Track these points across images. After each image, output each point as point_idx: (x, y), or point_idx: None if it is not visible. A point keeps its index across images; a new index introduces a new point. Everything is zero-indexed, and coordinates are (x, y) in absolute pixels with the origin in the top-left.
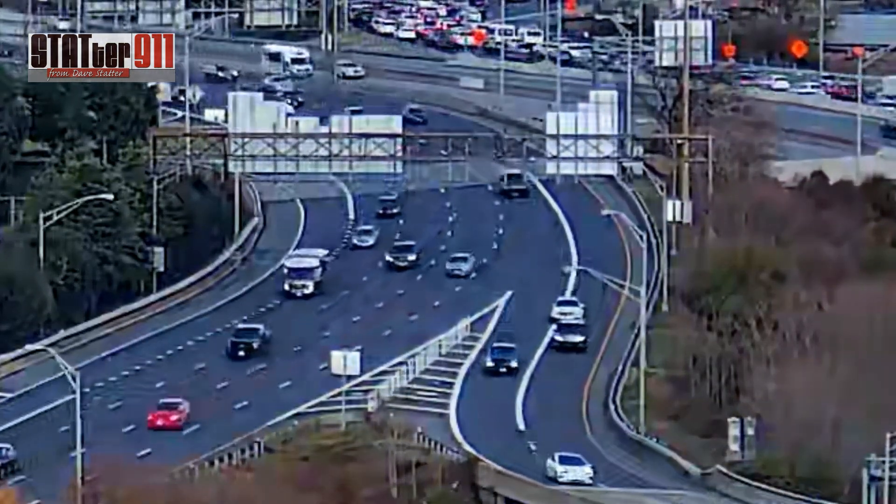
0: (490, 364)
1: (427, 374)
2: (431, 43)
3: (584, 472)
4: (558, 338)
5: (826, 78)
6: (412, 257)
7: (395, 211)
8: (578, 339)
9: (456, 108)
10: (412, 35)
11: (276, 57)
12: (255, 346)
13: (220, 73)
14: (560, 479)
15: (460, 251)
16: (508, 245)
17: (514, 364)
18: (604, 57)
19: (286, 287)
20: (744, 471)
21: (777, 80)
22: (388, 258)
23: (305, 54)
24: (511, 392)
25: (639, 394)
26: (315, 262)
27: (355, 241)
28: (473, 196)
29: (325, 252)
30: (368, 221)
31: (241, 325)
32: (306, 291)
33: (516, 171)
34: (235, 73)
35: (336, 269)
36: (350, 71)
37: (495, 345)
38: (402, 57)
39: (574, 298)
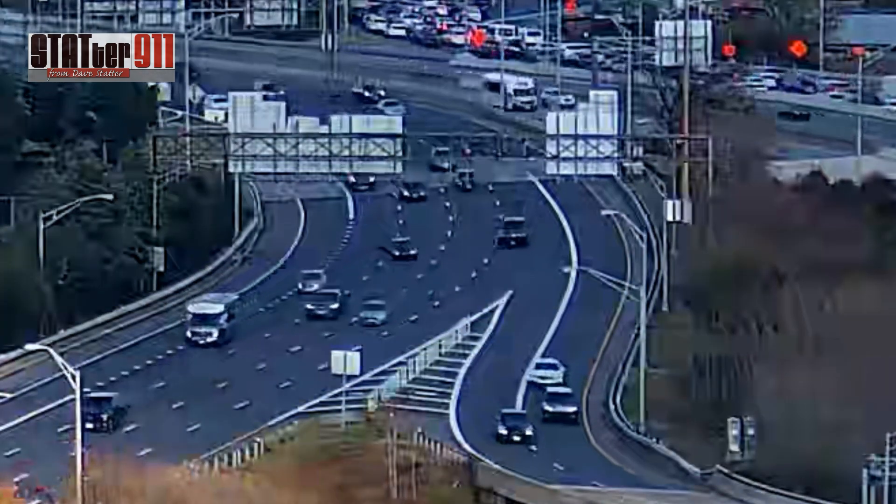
0: (503, 431)
1: (427, 374)
2: (417, 41)
3: None
4: (548, 408)
5: (773, 71)
6: (334, 306)
7: (412, 252)
8: (570, 409)
9: (456, 108)
10: (402, 32)
11: (496, 87)
12: (104, 418)
13: (367, 93)
14: None
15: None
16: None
17: (528, 431)
18: (600, 57)
19: (188, 334)
20: (744, 471)
21: (763, 77)
22: (308, 306)
23: (530, 84)
24: (511, 392)
25: (639, 394)
26: (220, 308)
27: (300, 285)
28: (474, 196)
29: (235, 297)
30: (323, 265)
31: (91, 395)
32: (210, 339)
33: (518, 217)
34: (382, 93)
35: (263, 315)
36: (561, 100)
37: (506, 411)
38: (404, 57)
39: (554, 361)
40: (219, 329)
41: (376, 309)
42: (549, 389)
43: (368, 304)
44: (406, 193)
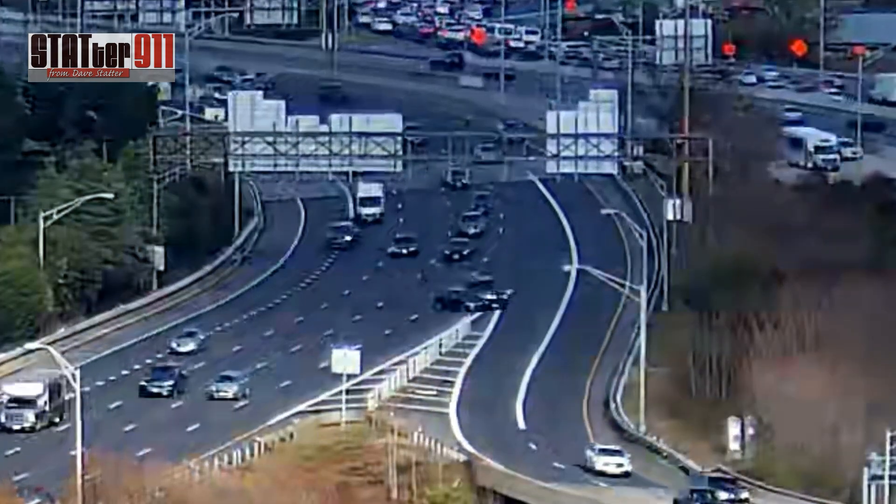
0: None
1: (427, 373)
2: (400, 35)
3: None
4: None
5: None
6: (170, 383)
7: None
8: (743, 496)
9: (455, 107)
10: (389, 27)
11: (797, 143)
12: None
13: (505, 131)
14: None
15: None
16: (508, 244)
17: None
18: (599, 57)
19: (2, 417)
20: (744, 470)
21: (746, 74)
22: (141, 382)
23: (832, 141)
24: (511, 391)
25: (639, 393)
26: (38, 390)
27: (172, 344)
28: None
29: (60, 374)
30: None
31: None
32: (25, 425)
33: (457, 288)
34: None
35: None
36: (848, 152)
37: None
38: (402, 56)
39: (618, 447)
40: (36, 413)
41: (228, 381)
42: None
43: (221, 376)
44: (395, 249)
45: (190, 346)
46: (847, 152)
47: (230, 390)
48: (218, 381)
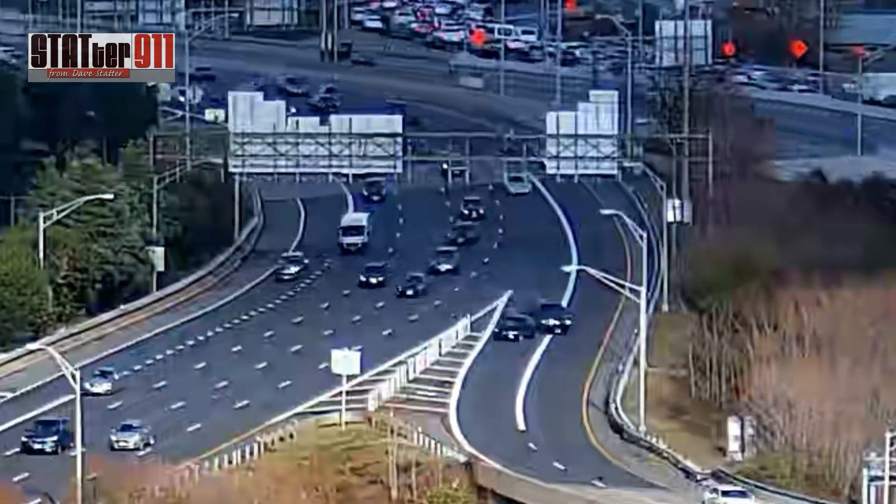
0: None
1: (427, 373)
2: (386, 32)
3: None
4: None
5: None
6: (53, 438)
7: None
8: None
9: (455, 107)
10: (379, 25)
11: None
12: None
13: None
14: None
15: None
16: (508, 244)
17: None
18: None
19: None
20: (744, 471)
21: (737, 74)
22: (23, 437)
23: None
24: (511, 391)
25: (639, 393)
26: None
27: (86, 384)
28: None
29: None
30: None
31: None
32: None
33: (553, 301)
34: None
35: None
36: None
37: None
38: (403, 56)
39: (742, 488)
40: None
41: (129, 430)
42: None
43: (123, 424)
44: (362, 279)
45: (105, 385)
46: None
47: (131, 440)
48: (119, 430)
